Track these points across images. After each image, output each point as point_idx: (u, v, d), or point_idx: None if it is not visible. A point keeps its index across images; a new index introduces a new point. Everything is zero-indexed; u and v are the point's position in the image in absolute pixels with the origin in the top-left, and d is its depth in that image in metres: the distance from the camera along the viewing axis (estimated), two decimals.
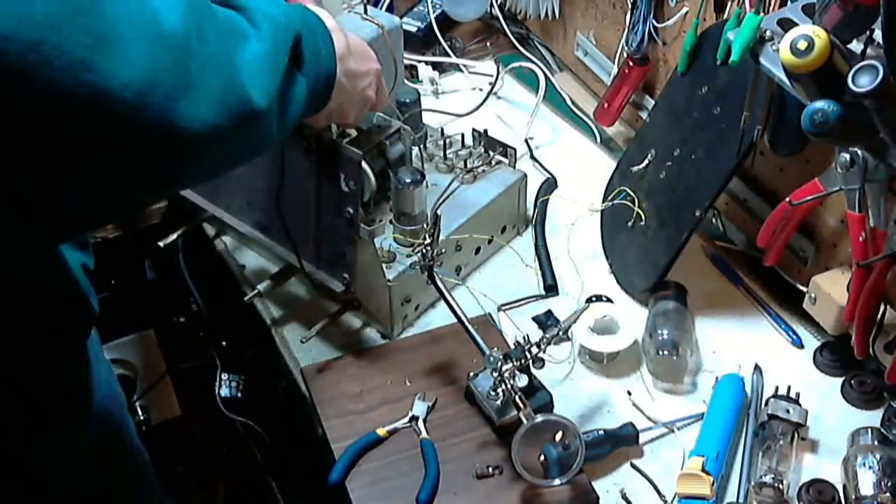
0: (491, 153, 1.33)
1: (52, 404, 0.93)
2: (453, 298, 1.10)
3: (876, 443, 1.03)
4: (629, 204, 1.28)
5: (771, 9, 1.07)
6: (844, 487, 1.01)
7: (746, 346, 1.19)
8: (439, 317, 1.23)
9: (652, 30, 1.40)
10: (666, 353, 1.14)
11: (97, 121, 0.62)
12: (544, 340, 1.04)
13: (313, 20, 0.88)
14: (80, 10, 0.59)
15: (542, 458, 1.01)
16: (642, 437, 1.08)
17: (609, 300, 1.25)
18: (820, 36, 0.82)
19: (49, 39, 0.58)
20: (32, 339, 0.86)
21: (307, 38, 0.84)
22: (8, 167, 0.61)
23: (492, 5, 1.74)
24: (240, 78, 0.71)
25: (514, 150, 1.33)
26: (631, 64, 1.46)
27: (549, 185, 1.44)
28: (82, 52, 0.59)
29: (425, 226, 1.13)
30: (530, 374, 1.05)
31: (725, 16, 1.22)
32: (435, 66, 1.69)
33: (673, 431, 1.10)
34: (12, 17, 0.56)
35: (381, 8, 1.61)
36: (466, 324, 1.09)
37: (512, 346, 1.06)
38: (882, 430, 1.05)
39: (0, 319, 0.82)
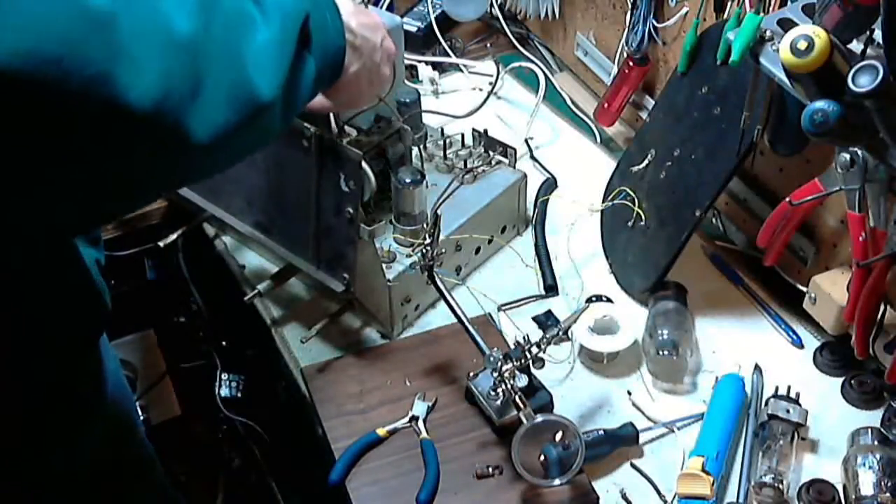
0: (491, 153, 1.33)
1: (66, 398, 0.94)
2: (453, 298, 1.10)
3: (876, 443, 1.03)
4: (629, 204, 1.28)
5: (771, 9, 1.07)
6: (844, 487, 1.01)
7: (746, 346, 1.19)
8: (439, 317, 1.23)
9: (652, 30, 1.40)
10: (666, 353, 1.14)
11: (114, 132, 0.62)
12: (544, 340, 1.04)
13: None
14: (99, 25, 0.60)
15: (542, 458, 1.01)
16: (642, 437, 1.08)
17: (609, 300, 1.25)
18: (820, 36, 0.82)
19: (69, 55, 0.58)
20: (47, 336, 0.87)
21: (315, 16, 0.82)
22: (24, 178, 0.62)
23: (492, 5, 1.74)
24: (247, 71, 0.71)
25: (514, 150, 1.33)
26: (631, 64, 1.46)
27: (549, 185, 1.44)
28: (101, 65, 0.59)
29: (425, 226, 1.13)
30: (530, 374, 1.05)
31: (725, 16, 1.22)
32: (435, 66, 1.69)
33: (673, 431, 1.10)
34: (32, 34, 0.56)
35: (381, 8, 1.61)
36: (466, 324, 1.09)
37: (512, 346, 1.06)
38: (882, 430, 1.05)
39: (14, 316, 0.82)
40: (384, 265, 1.15)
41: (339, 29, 0.87)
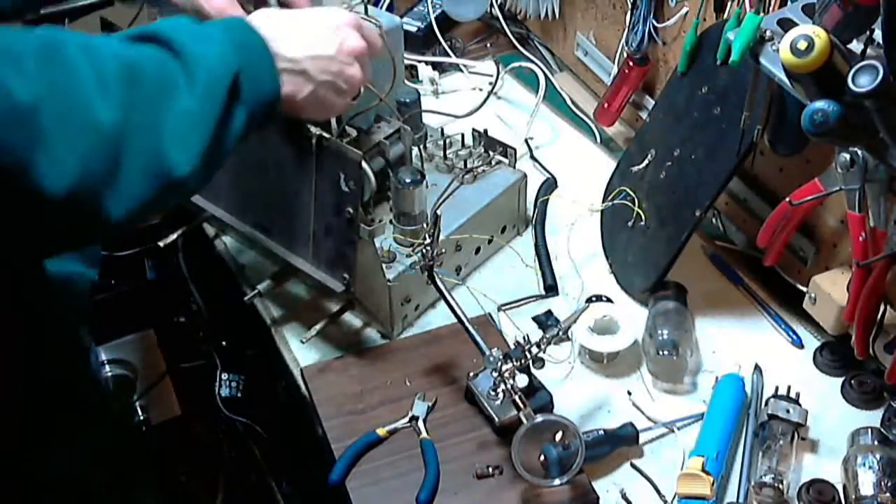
0: (491, 153, 1.33)
1: (63, 401, 0.94)
2: (453, 298, 1.10)
3: (876, 443, 1.03)
4: (629, 204, 1.28)
5: (771, 9, 1.07)
6: (844, 487, 1.01)
7: (746, 346, 1.19)
8: (439, 317, 1.23)
9: (652, 30, 1.40)
10: (666, 353, 1.14)
11: (30, 214, 0.66)
12: (544, 340, 1.04)
13: (252, 42, 0.86)
14: (22, 116, 0.62)
15: (542, 458, 1.01)
16: (642, 437, 1.08)
17: (609, 300, 1.25)
18: (820, 36, 0.82)
19: None
20: (37, 348, 0.88)
21: (246, 69, 0.83)
22: None
23: (492, 5, 1.74)
24: (164, 147, 0.73)
25: (514, 150, 1.32)
26: (631, 64, 1.46)
27: (549, 185, 1.44)
28: (22, 153, 0.62)
29: (425, 226, 1.13)
30: (530, 374, 1.05)
31: (725, 16, 1.22)
32: (435, 66, 1.69)
33: (673, 431, 1.10)
34: None
35: (381, 8, 1.61)
36: (466, 324, 1.09)
37: (512, 346, 1.06)
38: (882, 430, 1.05)
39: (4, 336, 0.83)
40: (384, 265, 1.15)
41: (272, 75, 0.87)
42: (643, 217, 1.27)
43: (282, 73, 0.88)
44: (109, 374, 1.72)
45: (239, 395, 1.53)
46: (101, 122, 0.67)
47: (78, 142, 0.65)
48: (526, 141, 1.52)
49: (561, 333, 1.05)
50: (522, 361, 1.03)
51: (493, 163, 1.32)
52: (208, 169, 0.79)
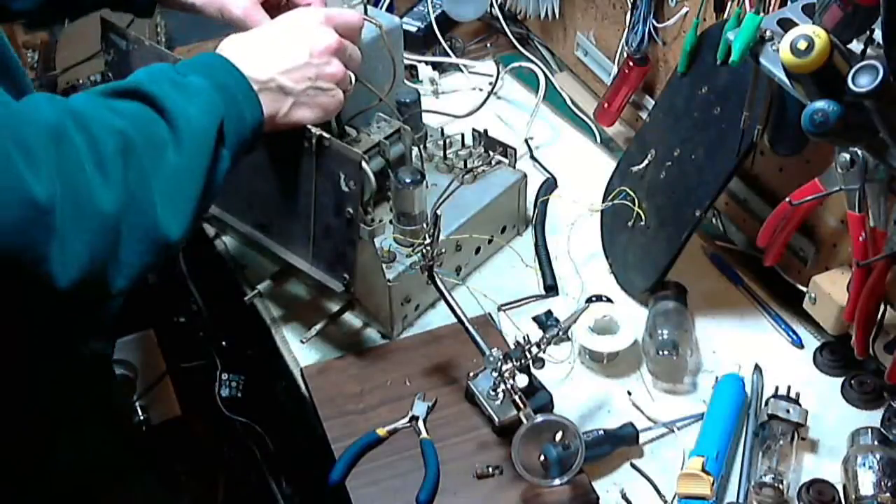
0: (491, 153, 1.33)
1: (70, 399, 0.94)
2: (453, 298, 1.10)
3: (876, 443, 1.03)
4: (629, 204, 1.28)
5: (771, 9, 1.07)
6: (844, 487, 1.01)
7: (746, 346, 1.19)
8: (439, 317, 1.23)
9: (652, 30, 1.40)
10: (666, 353, 1.14)
11: (38, 300, 0.71)
12: (544, 340, 1.04)
13: (233, 80, 0.86)
14: (41, 214, 0.65)
15: (542, 458, 1.01)
16: (642, 437, 1.08)
17: (609, 300, 1.25)
18: (820, 36, 0.82)
19: (16, 241, 0.64)
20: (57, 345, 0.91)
21: (231, 113, 0.83)
22: None
23: (492, 5, 1.74)
24: (159, 215, 0.75)
25: (514, 150, 1.32)
26: (631, 64, 1.46)
27: (549, 185, 1.44)
28: (39, 249, 0.65)
29: (425, 226, 1.14)
30: (530, 374, 1.05)
31: (725, 16, 1.22)
32: (435, 66, 1.69)
33: (673, 431, 1.10)
34: None
35: (381, 8, 1.61)
36: (466, 324, 1.09)
37: (512, 346, 1.06)
38: (882, 430, 1.05)
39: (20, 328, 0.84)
40: (384, 265, 1.15)
41: (254, 108, 0.87)
42: (643, 217, 1.27)
43: (259, 96, 0.88)
44: None
45: (239, 395, 1.53)
46: (104, 208, 0.69)
47: (85, 231, 0.68)
48: (526, 141, 1.52)
49: (561, 333, 1.05)
50: (522, 361, 1.03)
51: (493, 163, 1.32)
52: (198, 219, 0.81)
